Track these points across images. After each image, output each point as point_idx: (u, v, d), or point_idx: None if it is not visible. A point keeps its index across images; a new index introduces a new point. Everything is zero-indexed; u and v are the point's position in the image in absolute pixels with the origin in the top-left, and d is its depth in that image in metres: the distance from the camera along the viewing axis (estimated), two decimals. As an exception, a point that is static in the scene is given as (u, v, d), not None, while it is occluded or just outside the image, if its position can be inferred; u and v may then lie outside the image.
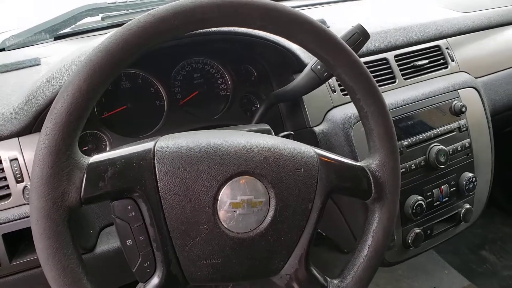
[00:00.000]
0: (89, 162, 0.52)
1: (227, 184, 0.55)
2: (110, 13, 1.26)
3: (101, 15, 1.25)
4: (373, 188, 0.62)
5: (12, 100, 0.78)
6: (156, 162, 0.53)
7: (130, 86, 0.93)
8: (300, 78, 0.83)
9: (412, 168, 0.96)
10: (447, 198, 1.03)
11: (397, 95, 1.00)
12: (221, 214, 0.54)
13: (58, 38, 1.20)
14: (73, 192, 0.49)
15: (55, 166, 0.48)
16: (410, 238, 0.99)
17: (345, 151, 0.90)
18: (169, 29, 0.52)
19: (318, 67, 0.78)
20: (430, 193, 1.00)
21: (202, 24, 0.54)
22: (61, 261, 0.48)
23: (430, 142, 0.99)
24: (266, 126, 0.76)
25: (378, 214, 0.62)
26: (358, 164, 0.63)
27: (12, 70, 0.94)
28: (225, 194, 0.54)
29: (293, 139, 0.79)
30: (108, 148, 0.89)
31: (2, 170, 0.72)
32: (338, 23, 1.11)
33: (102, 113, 0.90)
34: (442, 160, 0.97)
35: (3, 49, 1.15)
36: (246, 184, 0.55)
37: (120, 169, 0.52)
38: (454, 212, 1.05)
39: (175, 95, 0.96)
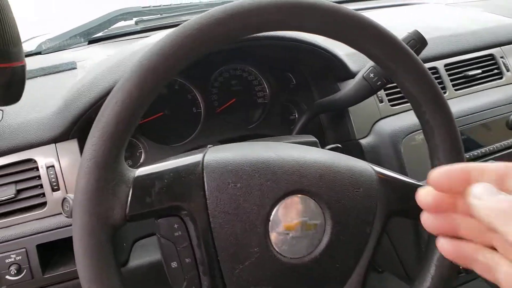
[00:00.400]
0: (135, 175, 0.48)
1: (279, 203, 0.50)
2: (143, 17, 1.25)
3: (134, 19, 1.25)
4: None
5: (49, 105, 0.75)
6: (205, 177, 0.49)
7: (167, 93, 0.90)
8: (350, 87, 0.78)
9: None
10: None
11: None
12: (273, 236, 0.50)
13: (92, 42, 1.19)
14: (118, 208, 0.46)
15: (101, 179, 0.44)
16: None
17: (394, 166, 0.84)
18: (227, 33, 0.48)
19: (371, 75, 0.73)
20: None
21: (262, 27, 0.50)
22: (104, 283, 0.44)
23: (485, 159, 0.92)
24: (312, 138, 0.71)
25: None
26: (421, 183, 0.57)
27: (50, 73, 0.92)
28: (277, 215, 0.50)
29: (342, 152, 0.74)
30: (143, 156, 0.86)
31: (39, 177, 0.70)
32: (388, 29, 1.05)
33: (138, 119, 0.87)
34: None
35: (39, 53, 1.14)
36: (300, 204, 0.51)
37: (168, 184, 0.48)
38: None
39: (212, 103, 0.93)
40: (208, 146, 0.86)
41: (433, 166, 0.58)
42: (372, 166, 0.56)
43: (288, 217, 0.50)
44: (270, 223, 0.50)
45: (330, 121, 0.95)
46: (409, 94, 0.56)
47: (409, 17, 1.23)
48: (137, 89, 0.45)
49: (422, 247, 0.84)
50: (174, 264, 0.50)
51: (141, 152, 0.87)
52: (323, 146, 0.78)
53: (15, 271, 0.66)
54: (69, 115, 0.70)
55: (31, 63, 0.99)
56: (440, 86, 0.98)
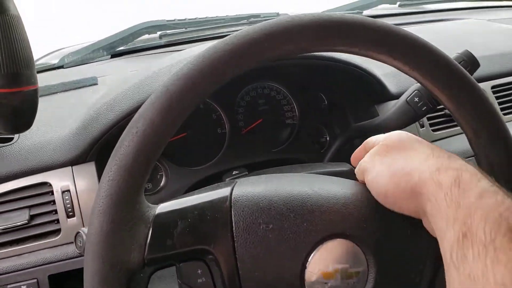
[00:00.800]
0: (156, 213, 0.43)
1: (317, 248, 0.44)
2: (168, 31, 1.22)
3: (159, 32, 1.22)
4: None
5: (67, 125, 0.71)
6: (233, 215, 0.44)
7: (191, 112, 0.85)
8: (391, 112, 0.72)
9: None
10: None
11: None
12: (309, 285, 0.44)
13: (115, 55, 1.16)
14: (135, 252, 0.40)
15: (117, 220, 0.39)
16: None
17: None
18: (264, 54, 0.42)
19: (416, 99, 0.67)
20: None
21: (309, 49, 0.44)
22: None
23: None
24: (348, 167, 0.65)
25: None
26: None
27: (70, 89, 0.89)
28: (315, 261, 0.44)
29: None
30: (164, 179, 0.81)
31: (53, 202, 0.65)
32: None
33: (160, 140, 0.82)
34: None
35: (61, 66, 1.11)
36: (340, 250, 0.45)
37: (192, 224, 0.43)
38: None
39: (237, 123, 0.88)
40: (234, 172, 0.81)
41: None
42: None
43: (327, 264, 0.44)
44: (306, 270, 0.44)
45: (365, 145, 0.88)
46: (465, 125, 0.49)
47: (450, 34, 1.15)
48: (160, 118, 0.40)
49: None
50: None
51: (162, 174, 0.82)
52: None
53: (26, 303, 0.62)
54: (86, 137, 0.66)
55: (53, 78, 0.97)
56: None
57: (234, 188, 0.46)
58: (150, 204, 0.43)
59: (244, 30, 0.43)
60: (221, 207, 0.44)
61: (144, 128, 0.40)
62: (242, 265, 0.43)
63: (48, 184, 0.65)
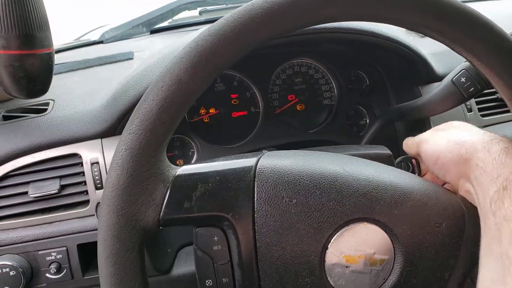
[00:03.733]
0: (176, 174, 0.42)
1: (342, 230, 0.42)
2: (208, 7, 1.21)
3: (199, 9, 1.21)
4: None
5: (100, 97, 0.72)
6: (256, 185, 0.42)
7: (224, 89, 0.83)
8: (435, 93, 0.66)
9: None
10: None
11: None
12: (329, 267, 0.42)
13: (154, 32, 1.16)
14: (151, 210, 0.40)
15: (135, 174, 0.38)
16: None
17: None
18: (302, 16, 0.39)
19: (463, 79, 0.61)
20: None
21: (354, 15, 0.41)
22: None
23: None
24: (387, 151, 0.60)
25: None
26: None
27: (106, 63, 0.90)
28: (337, 243, 0.41)
29: (417, 168, 0.63)
30: (195, 156, 0.80)
31: (83, 173, 0.66)
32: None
33: (192, 116, 0.81)
34: None
35: (101, 42, 1.13)
36: (366, 234, 0.42)
37: (213, 189, 0.41)
38: None
39: (272, 102, 0.85)
40: (264, 151, 0.79)
41: None
42: (459, 197, 0.46)
43: (351, 247, 0.42)
44: (327, 251, 0.41)
45: (407, 130, 0.83)
46: None
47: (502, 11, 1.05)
48: (187, 73, 0.38)
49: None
50: (208, 282, 0.43)
51: (194, 151, 0.81)
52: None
53: (55, 270, 0.63)
54: (116, 109, 0.66)
55: (92, 52, 0.98)
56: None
57: (261, 159, 0.44)
58: (172, 165, 0.42)
59: None
60: (245, 176, 0.42)
61: (170, 83, 0.38)
62: (261, 237, 0.41)
63: (78, 156, 0.66)
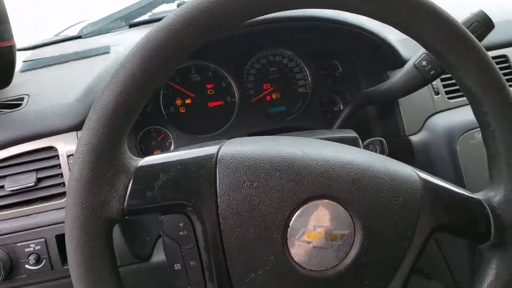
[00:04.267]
0: (138, 165, 0.43)
1: (301, 208, 0.43)
2: (185, 0, 1.20)
3: (176, 2, 1.21)
4: (492, 231, 0.47)
5: (75, 91, 0.72)
6: (218, 172, 0.43)
7: (200, 80, 0.84)
8: (399, 76, 0.68)
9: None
10: None
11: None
12: (292, 244, 0.43)
13: (133, 26, 1.16)
14: (115, 201, 0.41)
15: (96, 168, 0.40)
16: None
17: (448, 169, 0.73)
18: (252, 7, 0.41)
19: (424, 63, 0.63)
20: None
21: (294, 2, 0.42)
22: (95, 283, 0.40)
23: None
24: (353, 134, 0.62)
25: (496, 265, 0.48)
26: (475, 196, 0.48)
27: (82, 58, 0.90)
28: (298, 221, 0.43)
29: (384, 148, 0.65)
30: (172, 147, 0.82)
31: (59, 166, 0.67)
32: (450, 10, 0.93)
33: (168, 108, 0.83)
34: None
35: (79, 37, 1.13)
36: (326, 211, 0.44)
37: (174, 178, 0.43)
38: None
39: (247, 91, 0.86)
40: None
41: (492, 176, 0.48)
42: (417, 171, 0.48)
43: (311, 224, 0.43)
44: (289, 229, 0.43)
45: (378, 114, 0.85)
46: (468, 90, 0.47)
47: None
48: (140, 68, 0.40)
49: (475, 257, 0.74)
50: (177, 266, 0.45)
51: (171, 142, 0.82)
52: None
53: (34, 261, 0.65)
54: (90, 102, 0.67)
55: (70, 47, 0.99)
56: (510, 76, 0.85)
57: (222, 147, 0.46)
58: (133, 156, 0.44)
59: None
60: (206, 164, 0.44)
61: (124, 79, 0.40)
62: (224, 220, 0.43)
63: (54, 149, 0.67)
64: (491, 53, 0.85)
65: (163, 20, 0.40)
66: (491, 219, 0.47)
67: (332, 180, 0.44)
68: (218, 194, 0.43)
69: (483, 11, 0.61)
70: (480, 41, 0.61)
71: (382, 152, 0.66)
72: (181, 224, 0.44)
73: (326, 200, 0.44)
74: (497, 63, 0.86)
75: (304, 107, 0.88)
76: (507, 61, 0.86)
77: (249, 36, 0.79)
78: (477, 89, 0.46)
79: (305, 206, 0.43)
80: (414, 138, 0.76)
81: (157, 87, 0.42)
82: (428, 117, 0.78)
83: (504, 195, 0.48)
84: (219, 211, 0.43)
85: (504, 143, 0.47)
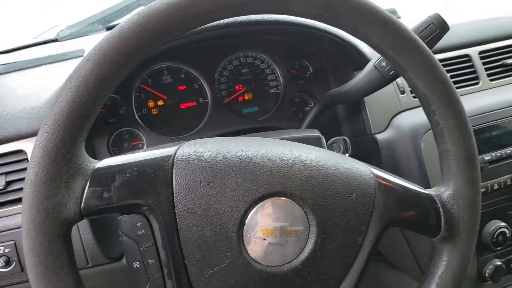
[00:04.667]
0: (95, 167, 0.44)
1: (257, 206, 0.45)
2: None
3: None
4: (442, 224, 0.50)
5: (46, 94, 0.73)
6: (174, 173, 0.45)
7: (172, 81, 0.85)
8: (360, 77, 0.70)
9: (495, 188, 0.79)
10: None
11: (479, 99, 0.84)
12: (248, 241, 0.45)
13: (110, 28, 1.16)
14: (71, 202, 0.42)
15: (51, 171, 0.41)
16: (488, 271, 0.83)
17: (413, 165, 0.75)
18: (198, 15, 0.42)
19: (383, 64, 0.65)
20: (516, 218, 0.83)
21: (240, 8, 0.44)
22: (52, 283, 0.41)
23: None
24: (316, 133, 0.64)
25: (447, 257, 0.50)
26: (427, 192, 0.50)
27: (56, 61, 0.90)
28: (254, 218, 0.45)
29: (348, 147, 0.67)
30: (145, 147, 0.83)
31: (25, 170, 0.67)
32: (412, 13, 0.96)
33: (141, 109, 0.84)
34: (535, 179, 0.80)
35: (56, 40, 1.13)
36: (280, 208, 0.45)
37: (130, 179, 0.44)
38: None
39: (220, 93, 0.88)
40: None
41: (443, 173, 0.50)
42: (372, 168, 0.50)
43: (266, 221, 0.45)
44: (245, 227, 0.45)
45: (346, 113, 0.87)
46: (417, 90, 0.49)
47: None
48: (93, 74, 0.41)
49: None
50: (136, 264, 0.46)
51: (144, 143, 0.83)
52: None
53: (3, 263, 0.65)
54: None
55: (45, 51, 0.99)
56: (473, 75, 0.88)
57: (180, 148, 0.47)
58: (91, 159, 0.45)
59: None
60: (163, 165, 0.45)
61: (78, 84, 0.41)
62: (181, 220, 0.44)
63: (23, 152, 0.67)
64: (455, 53, 0.88)
65: (116, 27, 0.42)
66: (441, 213, 0.49)
67: (287, 178, 0.45)
68: (174, 195, 0.44)
69: (438, 14, 0.63)
70: (436, 42, 0.63)
71: (345, 151, 0.68)
72: (138, 224, 0.45)
73: (281, 198, 0.45)
74: (460, 62, 0.88)
75: (276, 108, 0.90)
76: (470, 60, 0.89)
77: (220, 38, 0.80)
78: (425, 89, 0.48)
79: (260, 204, 0.45)
80: (380, 137, 0.78)
81: (111, 92, 0.43)
82: (394, 116, 0.80)
83: (453, 190, 0.50)
84: (175, 210, 0.44)
85: (451, 140, 0.49)
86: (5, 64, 0.94)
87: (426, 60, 0.47)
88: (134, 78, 0.83)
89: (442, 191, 0.50)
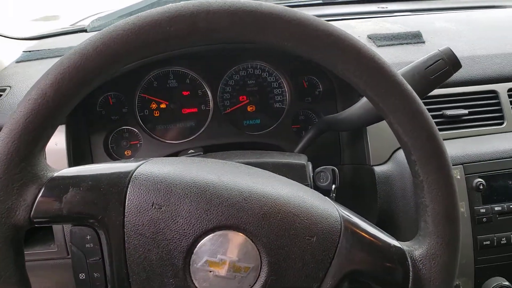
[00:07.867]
0: (52, 177, 0.44)
1: (207, 237, 0.43)
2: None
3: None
4: (410, 285, 0.46)
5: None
6: (128, 192, 0.44)
7: (177, 86, 0.85)
8: (356, 108, 0.66)
9: (502, 242, 0.73)
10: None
11: (500, 142, 0.77)
12: (194, 271, 0.43)
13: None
14: (21, 209, 0.42)
15: (4, 177, 0.41)
16: None
17: (410, 204, 0.71)
18: (163, 38, 0.41)
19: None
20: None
21: (208, 34, 0.43)
22: None
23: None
24: (302, 160, 0.61)
25: None
26: (399, 245, 0.46)
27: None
28: (202, 249, 0.43)
29: (336, 177, 0.64)
30: (142, 148, 0.83)
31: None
32: (438, 37, 0.90)
33: (143, 110, 0.84)
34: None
35: (84, 30, 1.16)
36: (232, 242, 0.43)
37: (83, 193, 0.43)
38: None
39: (223, 102, 0.86)
40: (190, 151, 0.80)
41: (420, 228, 0.47)
42: (343, 211, 0.47)
43: (215, 253, 0.43)
44: (193, 256, 0.43)
45: (349, 139, 0.83)
46: (398, 136, 0.45)
47: (470, 24, 1.02)
48: (51, 89, 0.41)
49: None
50: (82, 276, 0.46)
51: (142, 144, 0.84)
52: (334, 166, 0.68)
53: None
54: None
55: (74, 40, 1.02)
56: (498, 114, 0.81)
57: (141, 166, 0.46)
58: (50, 167, 0.45)
59: (148, 11, 0.42)
60: (119, 182, 0.44)
61: (36, 97, 0.41)
62: (129, 239, 0.43)
63: None
64: (480, 87, 0.82)
65: (79, 44, 0.42)
66: (410, 272, 0.45)
67: (243, 212, 0.43)
68: (125, 214, 0.43)
69: (449, 48, 0.58)
70: (443, 80, 0.59)
71: (333, 181, 0.64)
72: (88, 237, 0.45)
73: (234, 232, 0.43)
74: (484, 98, 0.82)
75: (278, 123, 0.87)
76: (497, 97, 0.82)
77: (229, 48, 0.79)
78: (406, 137, 0.44)
79: (211, 235, 0.43)
80: (378, 169, 0.73)
81: (72, 107, 0.43)
82: (397, 150, 0.75)
83: (427, 249, 0.45)
84: (124, 230, 0.43)
85: (430, 195, 0.45)
86: (30, 51, 0.97)
87: (410, 105, 0.43)
88: (140, 79, 0.83)
89: (415, 248, 0.46)
